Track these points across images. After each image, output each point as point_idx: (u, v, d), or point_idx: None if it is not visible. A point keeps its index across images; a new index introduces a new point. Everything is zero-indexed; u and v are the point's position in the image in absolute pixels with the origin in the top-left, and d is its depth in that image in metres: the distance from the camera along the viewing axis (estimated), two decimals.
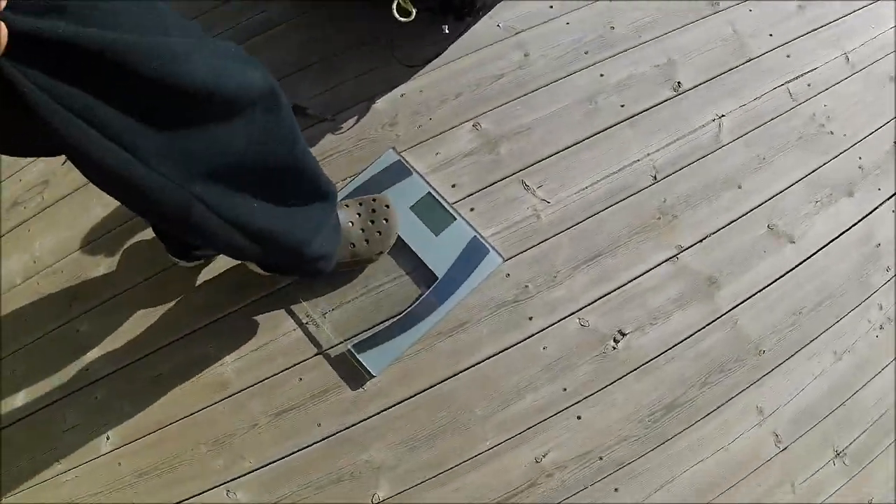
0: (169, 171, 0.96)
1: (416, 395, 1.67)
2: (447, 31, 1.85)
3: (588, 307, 1.72)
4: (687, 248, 1.76)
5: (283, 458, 1.66)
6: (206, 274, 1.77)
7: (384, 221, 1.67)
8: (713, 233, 1.78)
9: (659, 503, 1.63)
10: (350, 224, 1.65)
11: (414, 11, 1.66)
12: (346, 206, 1.67)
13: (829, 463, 1.69)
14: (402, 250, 1.74)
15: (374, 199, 1.69)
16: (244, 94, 1.01)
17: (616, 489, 1.63)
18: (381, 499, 1.62)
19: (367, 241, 1.66)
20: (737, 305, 1.74)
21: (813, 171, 1.85)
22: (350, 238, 1.64)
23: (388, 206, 1.69)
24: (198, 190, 1.02)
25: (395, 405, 1.67)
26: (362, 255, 1.66)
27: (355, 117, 1.86)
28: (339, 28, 1.95)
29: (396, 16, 1.64)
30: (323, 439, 1.66)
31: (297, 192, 1.29)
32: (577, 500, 1.63)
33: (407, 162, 1.80)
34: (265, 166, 1.15)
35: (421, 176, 1.79)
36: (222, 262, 1.76)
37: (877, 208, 1.84)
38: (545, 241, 1.76)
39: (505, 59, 1.90)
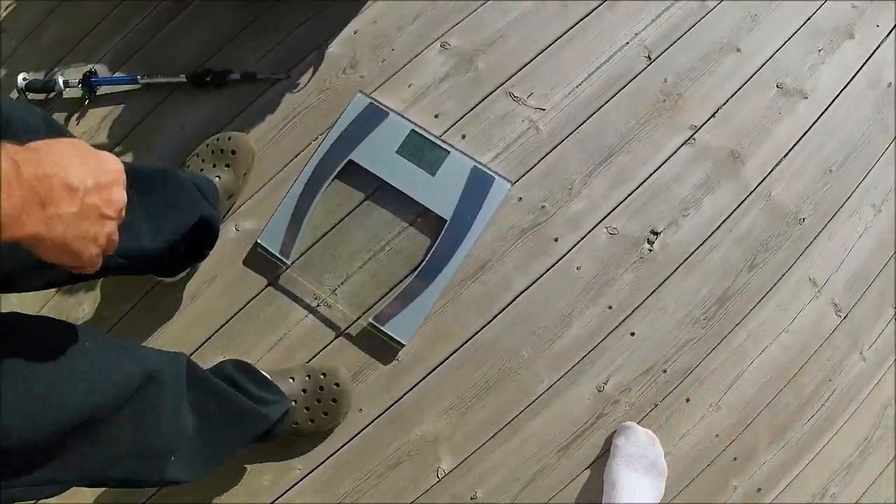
0: None
1: (454, 352, 1.26)
2: None
3: (613, 213, 1.30)
4: (701, 126, 1.34)
5: (333, 454, 1.25)
6: (194, 282, 1.31)
7: (332, 402, 1.23)
8: (723, 104, 1.35)
9: (732, 402, 1.26)
10: (293, 402, 1.19)
11: None
12: (292, 379, 1.22)
13: (893, 321, 1.33)
14: (400, 199, 1.30)
15: (323, 375, 1.23)
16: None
17: (687, 399, 1.26)
18: (447, 471, 1.24)
19: (311, 420, 1.22)
20: (766, 177, 1.33)
21: (808, 20, 1.41)
22: (293, 417, 1.20)
23: (337, 385, 1.23)
24: None
25: (434, 369, 1.26)
26: (305, 434, 1.24)
27: (311, 69, 1.37)
28: None
29: None
30: (369, 424, 1.25)
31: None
32: (648, 421, 1.25)
33: (379, 103, 1.33)
34: None
35: (399, 114, 1.33)
36: (208, 267, 1.30)
37: (879, 46, 1.43)
38: (550, 152, 1.32)
39: None
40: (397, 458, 1.24)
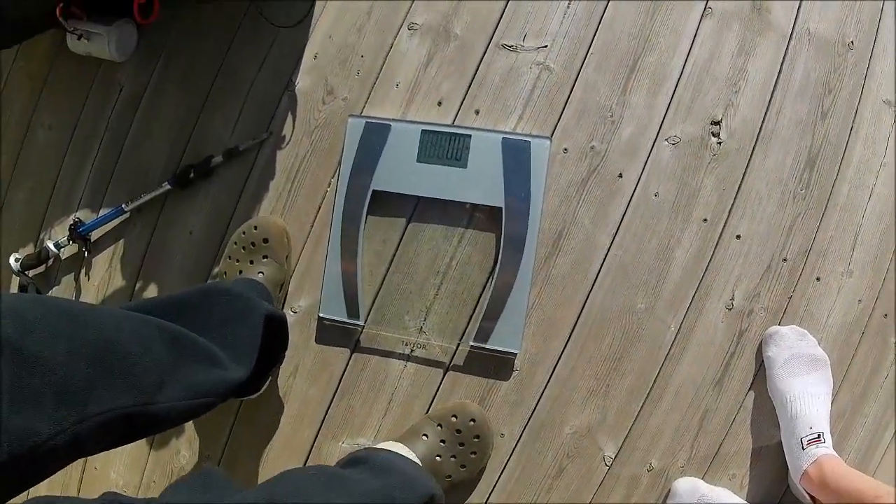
0: None
1: (569, 337, 0.75)
2: None
3: (665, 122, 0.75)
4: None
5: (493, 489, 0.75)
6: (279, 383, 0.78)
7: (475, 440, 0.72)
8: None
9: (862, 261, 0.74)
10: (437, 458, 0.70)
11: None
12: (425, 436, 0.71)
13: None
14: (444, 207, 0.75)
15: (454, 417, 0.72)
16: None
17: (818, 278, 0.75)
18: (613, 456, 0.74)
19: (462, 466, 0.72)
20: (797, 15, 0.77)
21: None
22: (443, 471, 0.70)
23: (473, 421, 0.73)
24: None
25: (557, 363, 0.75)
26: (461, 482, 0.73)
27: (289, 115, 0.80)
28: (196, 48, 0.84)
29: None
30: (516, 444, 0.75)
31: None
32: (789, 317, 0.74)
33: (375, 118, 0.76)
34: None
35: (400, 121, 0.76)
36: (285, 363, 0.77)
37: None
38: (573, 87, 0.76)
39: None
40: (559, 465, 0.75)
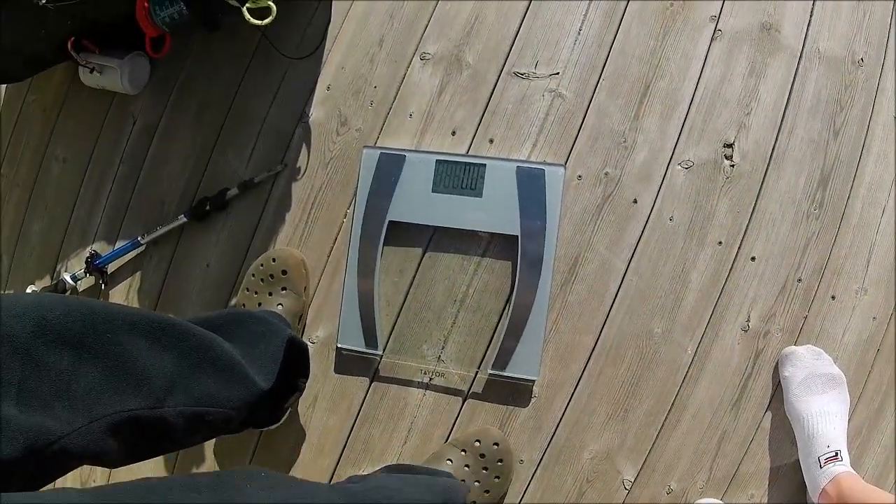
0: None
1: (587, 362, 0.74)
2: None
3: (678, 146, 0.75)
4: (720, 14, 0.76)
5: None
6: (299, 413, 0.79)
7: (498, 463, 0.72)
8: None
9: (877, 277, 0.74)
10: (462, 482, 0.70)
11: (272, 5, 0.59)
12: (450, 461, 0.71)
13: None
14: (460, 236, 0.75)
15: (477, 442, 0.72)
16: None
17: (833, 297, 0.74)
18: (632, 479, 0.74)
19: (486, 491, 0.71)
20: (806, 34, 0.76)
21: None
22: (467, 498, 0.69)
23: (497, 445, 0.72)
24: None
25: (576, 388, 0.75)
26: None
27: (303, 147, 0.80)
28: (209, 80, 0.84)
29: (254, 21, 0.57)
30: (536, 470, 0.75)
31: None
32: (805, 337, 0.74)
33: (390, 149, 0.76)
34: None
35: (415, 151, 0.76)
36: (305, 393, 0.77)
37: None
38: (586, 113, 0.76)
39: None
40: (579, 489, 0.75)
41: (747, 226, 0.74)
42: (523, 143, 0.76)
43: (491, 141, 0.76)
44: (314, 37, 0.80)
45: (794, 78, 0.76)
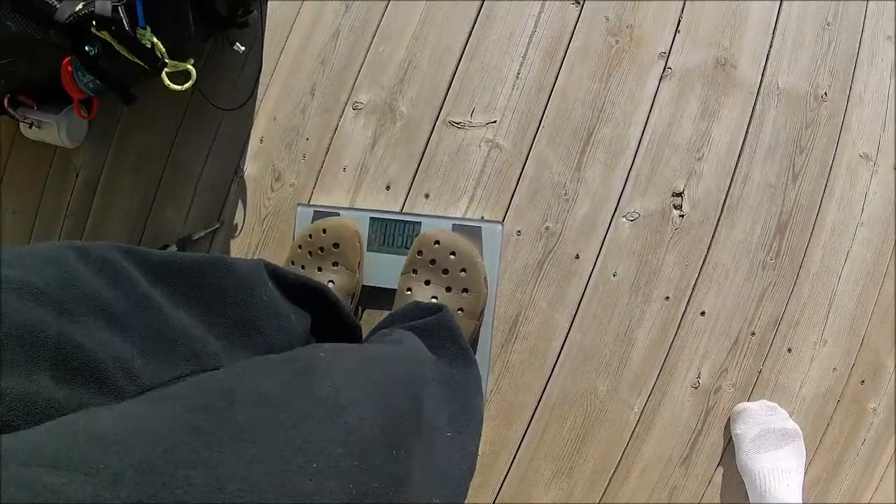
0: None
1: (530, 422, 0.70)
2: (242, 48, 0.67)
3: (623, 197, 0.68)
4: (670, 50, 0.68)
5: None
6: None
7: (462, 274, 0.63)
8: (681, 11, 0.69)
9: (836, 328, 0.68)
10: (434, 300, 0.62)
11: (192, 69, 0.53)
12: (408, 290, 0.63)
13: None
14: (392, 299, 0.69)
15: (432, 263, 0.63)
16: None
17: (789, 349, 0.68)
18: None
19: (460, 310, 0.63)
20: (765, 68, 0.68)
21: None
22: (452, 308, 0.62)
23: (454, 254, 0.63)
24: None
25: (519, 447, 0.70)
26: (471, 332, 0.65)
27: (238, 204, 0.75)
28: (145, 132, 0.79)
29: (174, 87, 0.52)
30: None
31: None
32: (759, 392, 0.68)
33: (323, 207, 0.71)
34: None
35: (348, 208, 0.71)
36: None
37: None
38: (525, 163, 0.69)
39: (324, 19, 0.74)
40: None
41: (697, 279, 0.68)
42: (460, 198, 0.70)
43: (427, 196, 0.70)
44: (245, 87, 0.74)
45: (751, 118, 0.68)
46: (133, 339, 0.34)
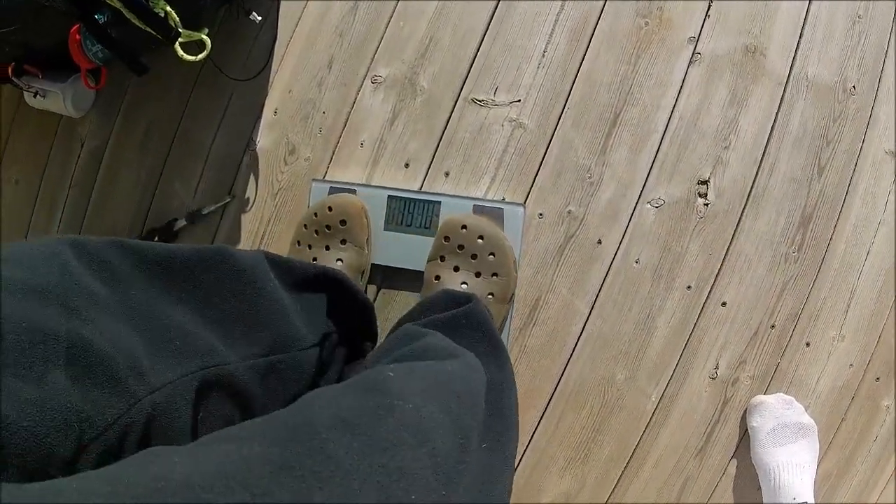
0: None
1: (546, 408, 0.68)
2: (259, 18, 0.63)
3: (648, 183, 0.66)
4: (699, 35, 0.66)
5: None
6: None
7: (490, 257, 0.60)
8: (710, 1, 0.66)
9: (855, 324, 0.66)
10: (464, 286, 0.59)
11: (206, 39, 0.49)
12: (437, 279, 0.60)
13: None
14: (412, 276, 0.67)
15: (460, 248, 0.60)
16: None
17: (807, 344, 0.66)
18: None
19: (491, 294, 0.60)
20: (794, 58, 0.66)
21: None
22: (482, 294, 0.59)
23: (481, 239, 0.60)
24: None
25: (534, 433, 0.68)
26: (502, 317, 0.62)
27: (251, 176, 0.71)
28: (154, 103, 0.75)
29: (188, 58, 0.48)
30: None
31: None
32: (776, 385, 0.67)
33: (339, 183, 0.67)
34: None
35: (365, 185, 0.67)
36: None
37: None
38: (549, 144, 0.66)
39: None
40: None
41: (720, 269, 0.66)
42: (481, 178, 0.67)
43: (447, 174, 0.67)
44: (260, 57, 0.70)
45: (779, 108, 0.66)
46: (135, 339, 0.32)
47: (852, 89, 0.67)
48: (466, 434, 0.31)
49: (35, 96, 0.74)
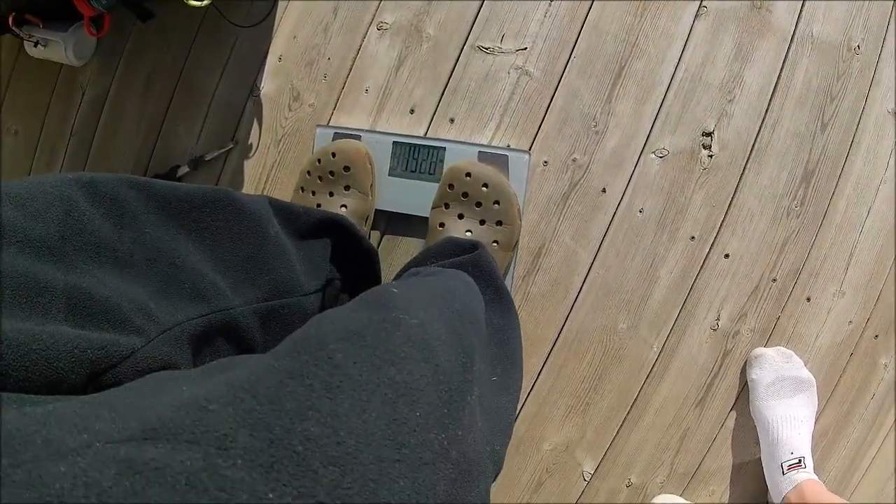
0: None
1: (548, 355, 0.66)
2: None
3: (652, 133, 0.64)
4: None
5: None
6: None
7: (495, 205, 0.58)
8: None
9: (855, 281, 0.65)
10: (468, 234, 0.57)
11: None
12: (441, 226, 0.58)
13: None
14: (417, 222, 0.65)
15: (464, 196, 0.58)
16: None
17: (808, 298, 0.65)
18: (592, 472, 0.66)
19: (495, 242, 0.58)
20: (800, 14, 0.65)
21: None
22: (487, 241, 0.57)
23: (486, 187, 0.58)
24: None
25: (536, 380, 0.66)
26: (506, 264, 0.61)
27: (254, 122, 0.69)
28: (156, 50, 0.73)
29: (193, 3, 0.46)
30: None
31: None
32: (776, 338, 0.65)
33: (344, 129, 0.66)
34: None
35: (370, 131, 0.65)
36: None
37: None
38: (555, 94, 0.65)
39: None
40: (538, 480, 0.67)
41: (723, 221, 0.65)
42: (486, 125, 0.65)
43: (452, 121, 0.66)
44: (264, 3, 0.68)
45: (784, 64, 0.65)
46: (143, 281, 0.31)
47: (856, 48, 0.66)
48: (469, 353, 0.30)
49: (36, 46, 0.71)
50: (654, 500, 0.67)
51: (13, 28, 0.68)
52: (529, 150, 0.64)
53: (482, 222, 0.58)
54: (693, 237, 0.65)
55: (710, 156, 0.64)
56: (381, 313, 0.26)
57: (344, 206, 0.59)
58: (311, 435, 0.17)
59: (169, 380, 0.22)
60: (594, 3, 0.65)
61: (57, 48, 0.71)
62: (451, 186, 0.58)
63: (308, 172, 0.62)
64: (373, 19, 0.67)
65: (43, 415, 0.17)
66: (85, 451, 0.15)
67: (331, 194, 0.60)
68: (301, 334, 0.24)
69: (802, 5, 0.66)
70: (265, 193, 0.69)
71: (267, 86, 0.69)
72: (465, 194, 0.58)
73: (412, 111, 0.66)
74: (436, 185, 0.62)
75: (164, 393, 0.19)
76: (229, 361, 0.25)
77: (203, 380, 0.21)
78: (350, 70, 0.67)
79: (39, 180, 0.29)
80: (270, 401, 0.18)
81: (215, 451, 0.16)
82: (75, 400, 0.19)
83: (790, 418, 0.64)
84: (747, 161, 0.65)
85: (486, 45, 0.65)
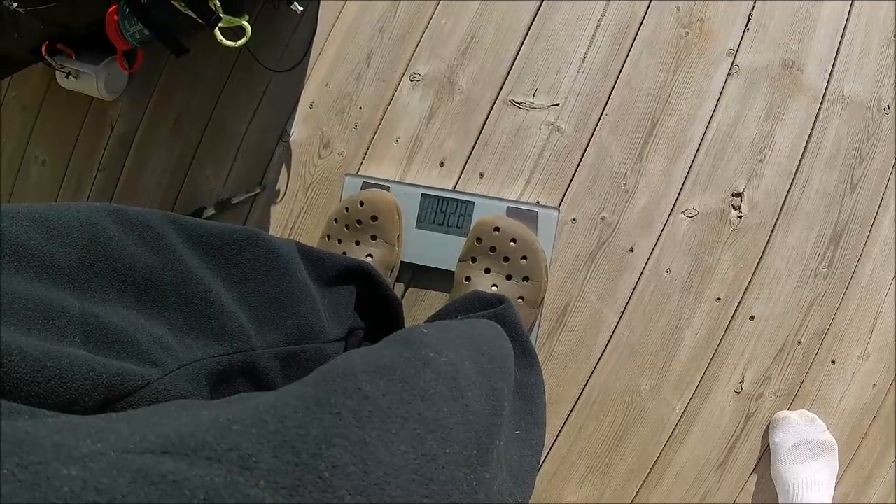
0: None
1: (569, 415, 0.63)
2: (300, 8, 0.59)
3: (682, 192, 0.62)
4: (738, 48, 0.62)
5: None
6: None
7: (522, 261, 0.55)
8: (751, 10, 0.62)
9: (880, 344, 0.62)
10: (494, 288, 0.55)
11: (247, 25, 0.45)
12: (467, 279, 0.56)
13: None
14: (442, 276, 0.62)
15: (492, 250, 0.55)
16: None
17: (833, 361, 0.62)
18: None
19: (521, 298, 0.55)
20: (831, 74, 0.62)
21: None
22: (513, 296, 0.54)
23: (514, 242, 0.55)
24: None
25: (556, 438, 0.63)
26: (531, 321, 0.58)
27: (283, 168, 0.67)
28: (188, 89, 0.70)
29: (227, 43, 0.43)
30: None
31: None
32: (799, 402, 0.62)
33: (373, 178, 0.63)
34: None
35: (399, 182, 0.63)
36: None
37: None
38: (585, 151, 0.62)
39: None
40: None
41: (749, 282, 0.62)
42: (516, 180, 0.62)
43: (481, 175, 0.63)
44: (298, 48, 0.66)
45: (815, 123, 0.62)
46: (166, 312, 0.29)
47: (886, 108, 0.63)
48: (499, 398, 0.28)
49: (67, 77, 0.69)
50: None
51: (45, 57, 0.66)
52: (559, 206, 0.62)
53: (508, 277, 0.55)
54: (719, 298, 0.62)
55: (740, 216, 0.62)
56: (411, 351, 0.25)
57: (370, 255, 0.57)
58: (338, 462, 0.16)
59: (190, 405, 0.20)
60: (628, 59, 0.62)
61: (88, 81, 0.69)
62: (478, 240, 0.56)
63: (335, 220, 0.59)
64: (406, 69, 0.64)
65: (56, 423, 0.16)
66: (98, 458, 0.14)
67: (357, 243, 0.58)
68: (329, 367, 0.23)
69: (833, 65, 0.63)
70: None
71: (297, 132, 0.66)
72: (492, 248, 0.56)
73: (442, 164, 0.63)
74: (463, 240, 0.60)
75: (184, 414, 0.18)
76: (249, 395, 0.23)
77: (225, 405, 0.19)
78: (381, 120, 0.65)
79: (67, 205, 0.28)
80: (297, 425, 0.17)
81: (238, 470, 0.15)
82: (91, 416, 0.18)
83: (812, 482, 0.61)
84: (776, 222, 0.62)
85: (519, 100, 0.63)
